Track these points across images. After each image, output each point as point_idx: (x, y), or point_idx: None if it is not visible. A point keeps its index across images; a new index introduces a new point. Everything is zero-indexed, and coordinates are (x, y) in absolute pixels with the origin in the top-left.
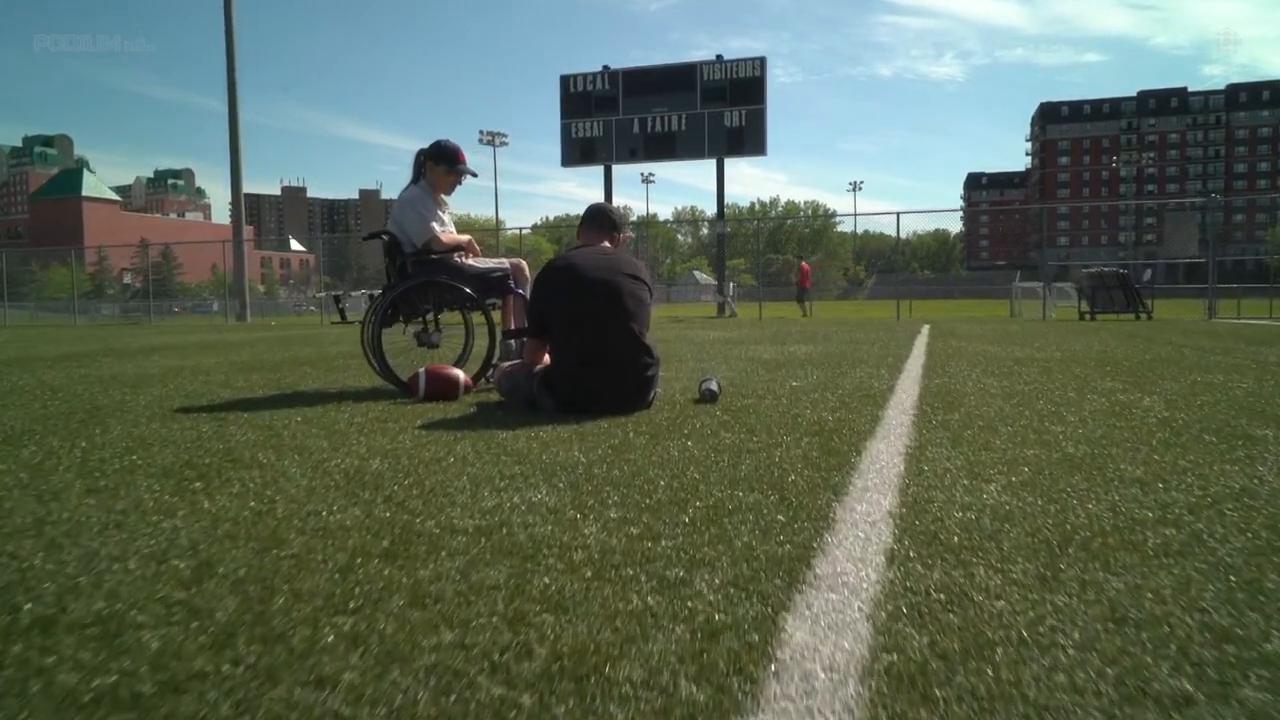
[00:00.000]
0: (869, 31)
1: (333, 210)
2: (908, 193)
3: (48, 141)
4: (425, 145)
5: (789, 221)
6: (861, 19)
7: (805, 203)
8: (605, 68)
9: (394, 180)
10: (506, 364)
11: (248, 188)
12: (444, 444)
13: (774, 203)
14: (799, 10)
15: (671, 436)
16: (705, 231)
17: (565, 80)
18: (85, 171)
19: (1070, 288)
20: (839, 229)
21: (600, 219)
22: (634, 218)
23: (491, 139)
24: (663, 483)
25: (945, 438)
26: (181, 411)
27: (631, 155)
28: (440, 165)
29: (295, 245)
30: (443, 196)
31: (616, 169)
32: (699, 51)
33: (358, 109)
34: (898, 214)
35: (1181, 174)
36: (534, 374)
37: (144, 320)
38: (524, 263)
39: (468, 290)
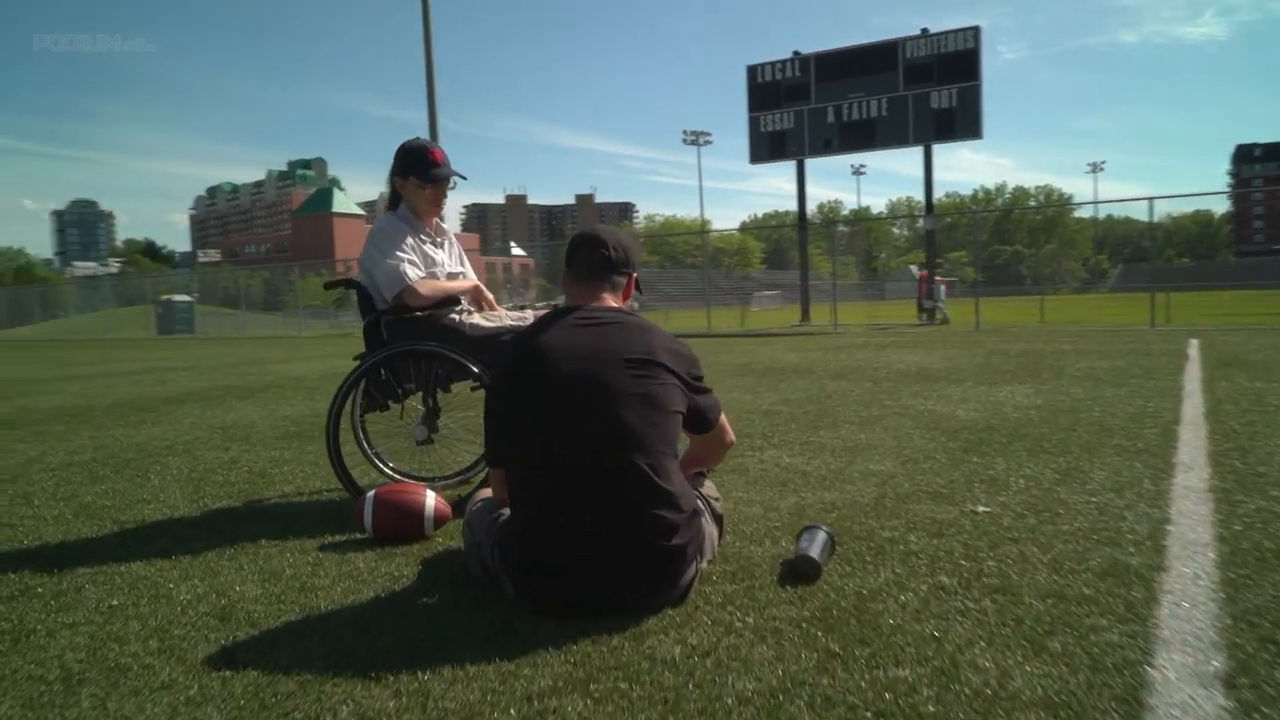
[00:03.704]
0: None
1: (550, 215)
2: (1158, 172)
3: (306, 165)
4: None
5: (1015, 211)
6: None
7: (1036, 188)
8: (795, 53)
9: (607, 184)
10: (481, 493)
11: (476, 198)
12: None
13: (999, 190)
14: None
15: None
16: (921, 224)
17: (752, 71)
18: (335, 190)
19: None
20: (1075, 215)
21: (590, 257)
22: (845, 211)
23: (695, 138)
24: None
25: None
26: None
27: (826, 147)
28: (410, 179)
29: (516, 250)
30: (438, 222)
31: (822, 162)
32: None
33: (571, 118)
34: (1150, 199)
35: None
36: (495, 527)
37: (354, 330)
38: None
39: (470, 364)
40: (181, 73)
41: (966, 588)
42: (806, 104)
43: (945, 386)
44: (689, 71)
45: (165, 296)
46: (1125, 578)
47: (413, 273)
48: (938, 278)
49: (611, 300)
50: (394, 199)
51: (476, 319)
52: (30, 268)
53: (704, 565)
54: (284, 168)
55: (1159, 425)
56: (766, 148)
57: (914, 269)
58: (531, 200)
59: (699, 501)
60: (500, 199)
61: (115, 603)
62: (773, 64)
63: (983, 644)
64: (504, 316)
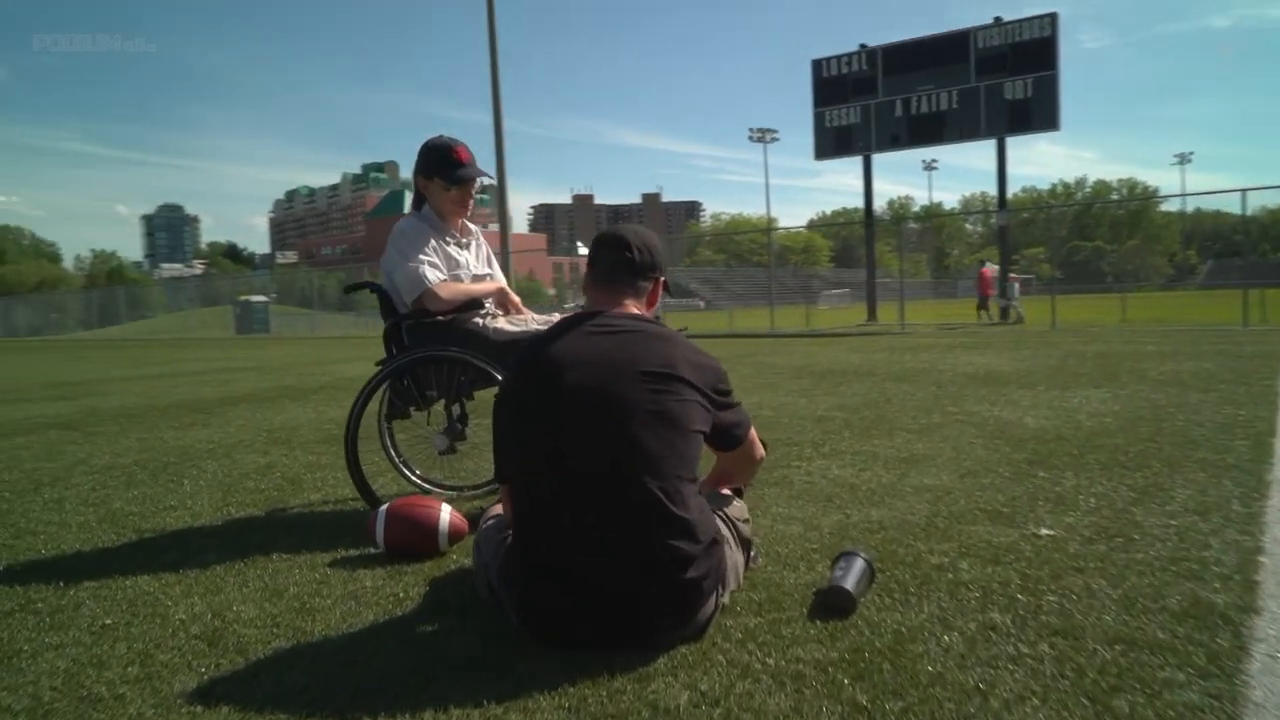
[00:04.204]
0: None
1: (617, 215)
2: (1251, 162)
3: (379, 168)
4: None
5: (1096, 205)
6: None
7: (1118, 181)
8: (862, 46)
9: (673, 183)
10: (493, 510)
11: (542, 198)
12: None
13: (1079, 183)
14: None
15: None
16: (994, 220)
17: (817, 65)
18: (407, 193)
19: None
20: (1161, 209)
21: (612, 259)
22: (916, 207)
23: (761, 136)
24: None
25: None
26: None
27: (893, 142)
28: (434, 179)
29: (583, 250)
30: (464, 222)
31: (891, 157)
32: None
33: (638, 117)
34: (1243, 191)
35: None
36: (503, 547)
37: None
38: None
39: (494, 370)
40: (262, 80)
41: (1021, 628)
42: (873, 98)
43: (1014, 391)
44: (756, 68)
45: (243, 297)
46: (1209, 620)
47: (432, 275)
48: (1012, 275)
49: (634, 306)
50: (418, 199)
51: (501, 323)
52: (121, 270)
53: (725, 599)
54: (358, 171)
55: (1251, 437)
56: (832, 143)
57: (989, 265)
58: (598, 200)
59: (722, 525)
60: (567, 199)
61: (109, 621)
62: (838, 58)
63: (1036, 700)
64: (530, 320)
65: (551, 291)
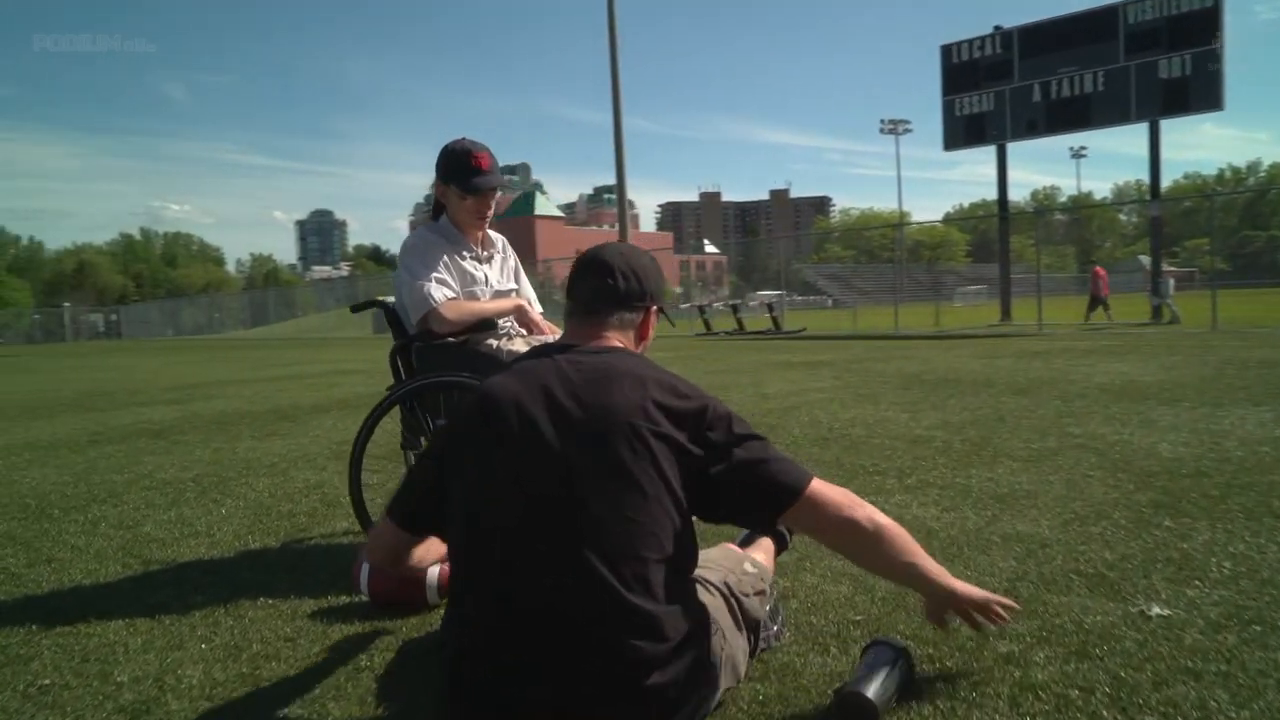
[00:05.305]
0: None
1: (744, 212)
2: None
3: (511, 170)
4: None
5: (1271, 191)
6: None
7: None
8: (996, 28)
9: (803, 178)
10: None
11: (670, 196)
12: None
13: (1252, 168)
14: None
15: None
16: (1148, 210)
17: (946, 50)
18: (538, 194)
19: None
20: None
21: (592, 286)
22: (1062, 198)
23: (893, 127)
24: None
25: None
26: None
27: (1030, 129)
28: (450, 186)
29: (709, 248)
30: (488, 235)
31: (1034, 146)
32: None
33: (765, 112)
34: None
35: None
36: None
37: None
38: None
39: None
40: (403, 90)
41: None
42: (1008, 83)
43: (1153, 408)
44: (888, 57)
45: (380, 298)
46: None
47: (439, 294)
48: (1167, 268)
49: (619, 339)
50: (437, 207)
51: (518, 344)
52: (276, 272)
53: (712, 706)
54: None
55: None
56: (962, 132)
57: (1142, 259)
58: (726, 197)
59: (721, 605)
60: (694, 196)
61: (47, 681)
62: (970, 42)
63: None
64: (551, 340)
65: (678, 289)
